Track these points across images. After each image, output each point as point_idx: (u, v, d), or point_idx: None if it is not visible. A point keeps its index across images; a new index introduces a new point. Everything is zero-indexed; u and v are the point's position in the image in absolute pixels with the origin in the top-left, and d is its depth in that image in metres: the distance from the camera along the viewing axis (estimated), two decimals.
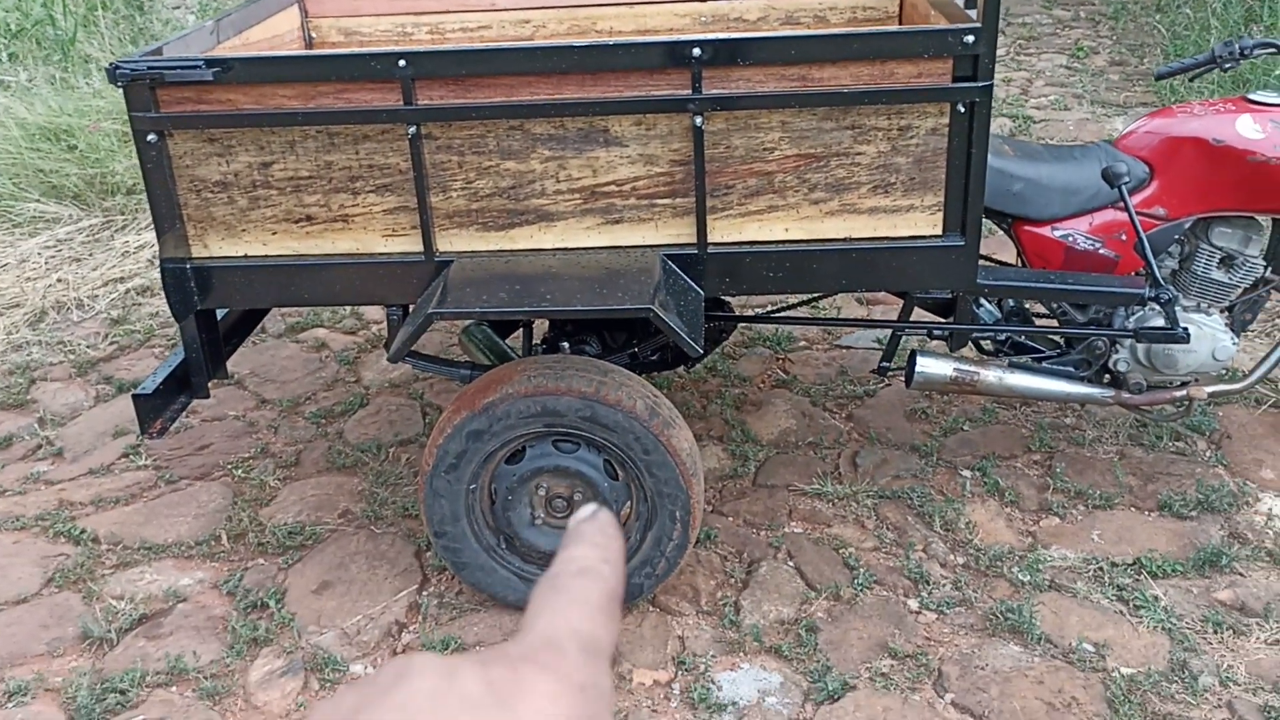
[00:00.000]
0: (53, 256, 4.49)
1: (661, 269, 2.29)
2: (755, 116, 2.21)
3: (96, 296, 4.21)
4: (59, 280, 4.31)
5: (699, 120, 2.19)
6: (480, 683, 0.33)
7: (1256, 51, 2.66)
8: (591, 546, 0.40)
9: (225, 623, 2.59)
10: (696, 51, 2.15)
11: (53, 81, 5.68)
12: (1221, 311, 2.79)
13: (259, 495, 3.05)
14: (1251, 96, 2.67)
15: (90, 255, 4.50)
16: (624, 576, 0.41)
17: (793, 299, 3.66)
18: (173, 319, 2.55)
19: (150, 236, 4.56)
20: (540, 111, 2.20)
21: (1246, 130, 2.58)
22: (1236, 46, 2.65)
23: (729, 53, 2.15)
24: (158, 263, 4.21)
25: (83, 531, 2.91)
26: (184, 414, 3.21)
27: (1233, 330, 2.79)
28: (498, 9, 3.16)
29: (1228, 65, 2.66)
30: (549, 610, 0.37)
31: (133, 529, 2.93)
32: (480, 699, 0.32)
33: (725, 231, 2.32)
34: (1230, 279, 2.73)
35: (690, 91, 2.19)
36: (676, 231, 2.32)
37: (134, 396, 2.44)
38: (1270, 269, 2.77)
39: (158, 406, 2.48)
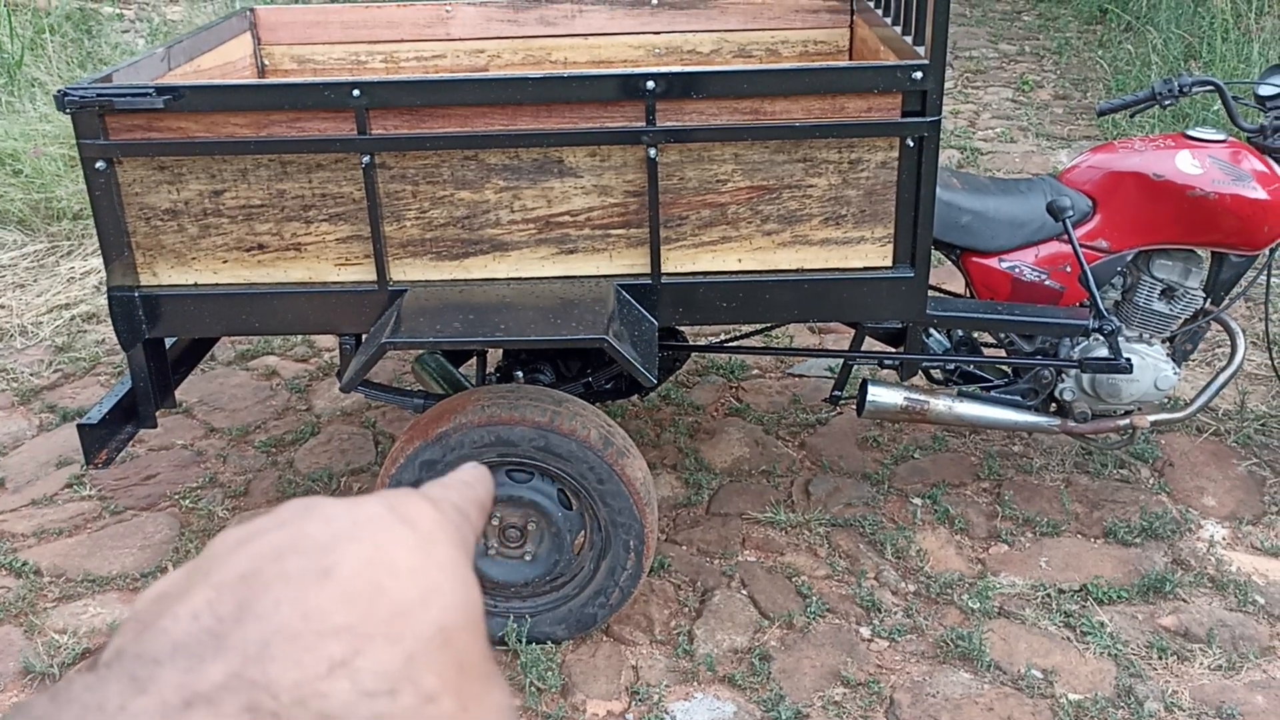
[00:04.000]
0: None
1: (615, 299, 2.30)
2: (708, 149, 2.24)
3: (41, 323, 4.14)
4: (2, 306, 4.24)
5: (653, 152, 2.21)
6: (381, 505, 0.39)
7: (1195, 89, 2.73)
8: (468, 473, 0.48)
9: None
10: (650, 84, 2.17)
11: None
12: (1163, 342, 2.85)
13: (207, 526, 3.00)
14: (1190, 133, 2.75)
15: (35, 281, 4.43)
16: (490, 505, 0.48)
17: (746, 328, 3.69)
18: (119, 346, 2.52)
19: (96, 262, 4.50)
20: (495, 142, 2.21)
21: (1185, 166, 2.65)
22: (1176, 84, 2.72)
23: (683, 86, 2.18)
24: (104, 290, 4.15)
25: (24, 564, 2.85)
26: (130, 443, 3.16)
27: (1174, 360, 2.85)
28: (453, 39, 3.17)
29: (1167, 102, 2.74)
30: (432, 487, 0.45)
31: (76, 561, 2.87)
32: (384, 515, 0.38)
33: (679, 262, 2.34)
34: (1171, 310, 2.79)
35: (644, 124, 2.21)
36: (630, 262, 2.34)
37: (79, 426, 2.40)
38: (1209, 300, 2.84)
39: (103, 436, 2.44)
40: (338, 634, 0.34)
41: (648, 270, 2.34)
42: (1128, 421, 2.81)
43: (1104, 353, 2.74)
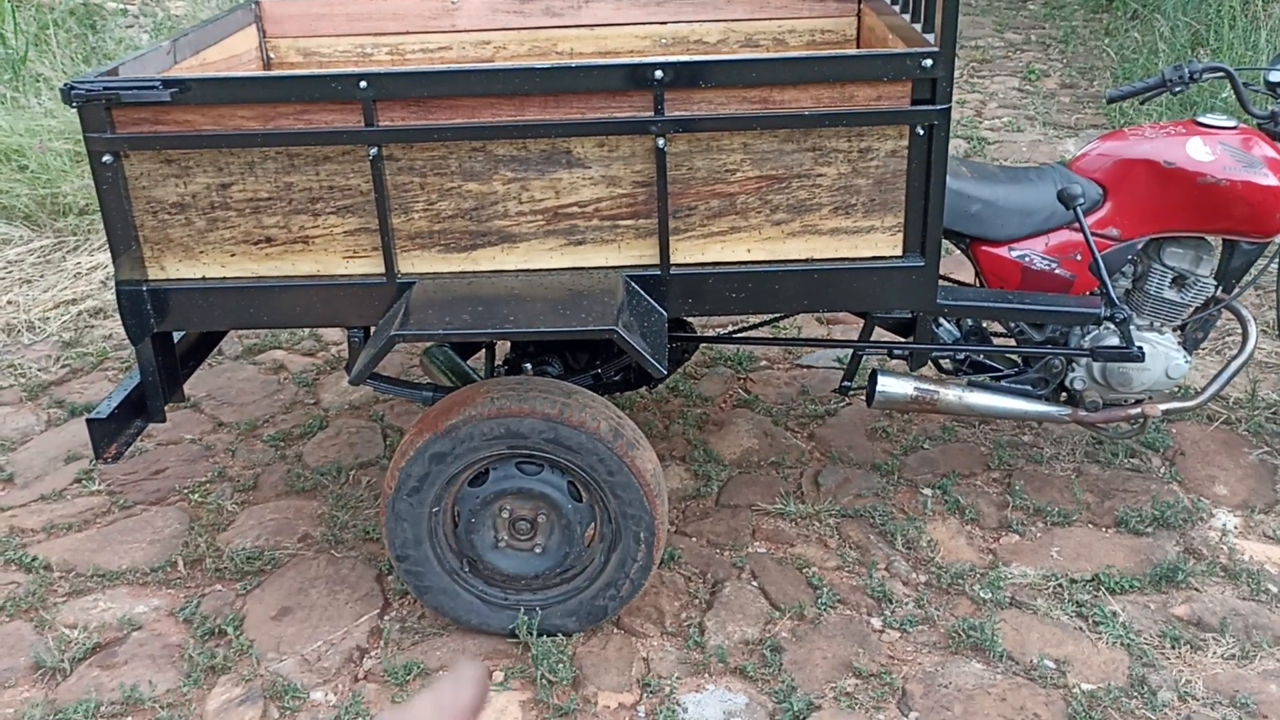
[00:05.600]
0: (2, 278, 4.42)
1: (624, 290, 2.29)
2: (717, 138, 2.22)
3: (48, 319, 4.14)
4: (9, 302, 4.24)
5: (661, 142, 2.20)
6: None
7: (1204, 75, 2.72)
8: None
9: (181, 651, 2.54)
10: (658, 74, 2.16)
11: (3, 101, 5.59)
12: (1174, 330, 2.84)
13: (216, 520, 3.00)
14: (1201, 119, 2.73)
15: (42, 277, 4.43)
16: None
17: (754, 319, 3.68)
18: (127, 341, 2.51)
19: (103, 257, 4.50)
20: (502, 133, 2.20)
21: (1196, 153, 2.64)
22: (1185, 70, 2.71)
23: (690, 75, 2.17)
24: (111, 284, 4.15)
25: (34, 559, 2.85)
26: (139, 438, 3.15)
27: (1185, 348, 2.84)
28: (459, 30, 3.16)
29: (1177, 89, 2.72)
30: None
31: (86, 556, 2.87)
32: None
33: (688, 252, 2.33)
34: (1182, 298, 2.77)
35: (652, 113, 2.20)
36: (639, 252, 2.33)
37: (88, 421, 2.40)
38: (1220, 288, 2.83)
39: (112, 431, 2.44)
40: None
41: (656, 261, 2.33)
42: (1139, 410, 2.80)
43: (1115, 341, 2.72)
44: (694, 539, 2.87)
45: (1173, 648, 2.48)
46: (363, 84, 2.16)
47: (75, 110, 2.20)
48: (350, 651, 2.53)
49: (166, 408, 2.55)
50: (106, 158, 2.22)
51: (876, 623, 2.58)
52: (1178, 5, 6.89)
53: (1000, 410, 2.81)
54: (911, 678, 2.42)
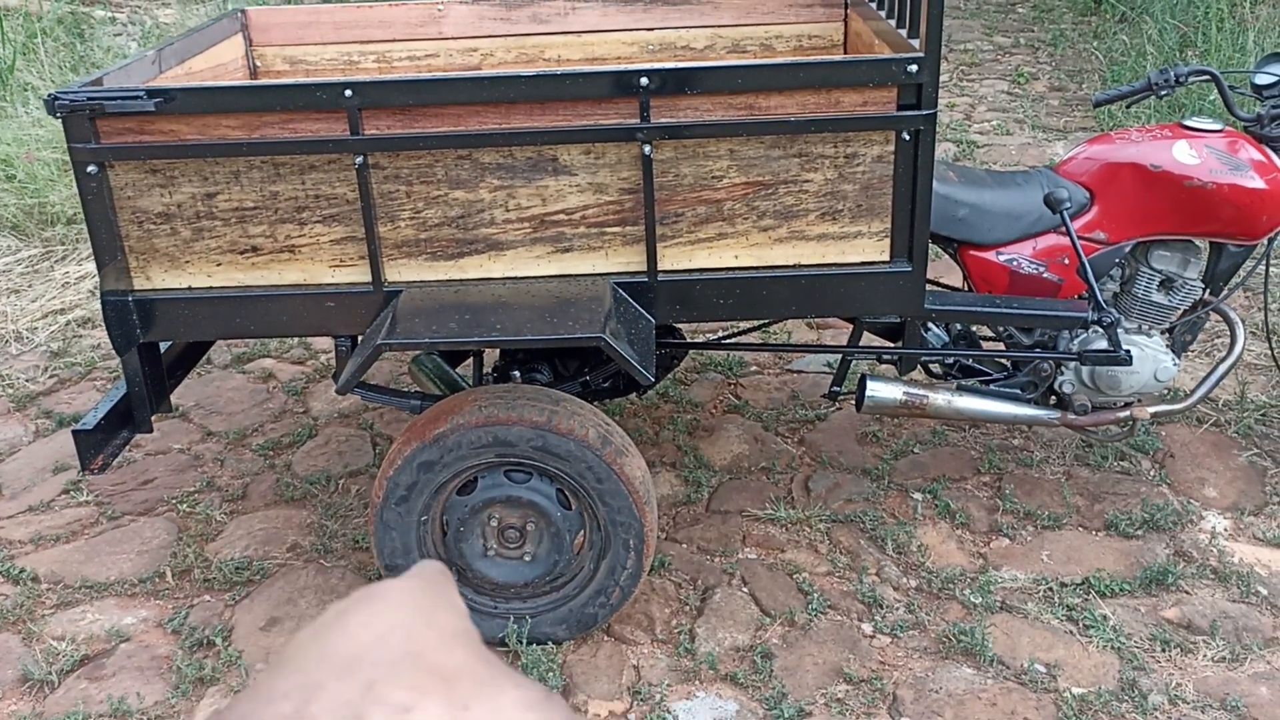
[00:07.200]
0: None
1: (612, 297, 2.29)
2: (703, 145, 2.22)
3: (36, 329, 4.13)
4: None
5: (647, 149, 2.20)
6: (341, 602, 0.44)
7: (1191, 79, 2.72)
8: None
9: (170, 662, 2.53)
10: (644, 80, 2.16)
11: None
12: (1162, 333, 2.84)
13: (205, 530, 2.99)
14: (1187, 123, 2.74)
15: (29, 286, 4.41)
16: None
17: (744, 324, 3.68)
18: (114, 352, 2.51)
19: (91, 267, 4.48)
20: (489, 141, 2.20)
21: (1183, 156, 2.64)
22: (1172, 74, 2.71)
23: (677, 81, 2.17)
24: (99, 294, 4.14)
25: (22, 570, 2.84)
26: (126, 448, 3.14)
27: (1174, 351, 2.84)
28: (445, 37, 3.15)
29: (1163, 92, 2.72)
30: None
31: (74, 567, 2.86)
32: (337, 605, 0.43)
33: (675, 259, 2.33)
34: (1170, 301, 2.78)
35: (638, 120, 2.19)
36: (627, 259, 2.33)
37: (74, 432, 2.39)
38: (1208, 291, 2.83)
39: (99, 442, 2.43)
40: (285, 696, 0.37)
41: (644, 268, 2.33)
42: (1128, 413, 2.80)
43: (1103, 345, 2.73)
44: (684, 545, 2.87)
45: (1163, 651, 2.48)
46: (348, 92, 2.16)
47: (60, 120, 2.19)
48: None
49: (154, 418, 2.54)
50: (91, 168, 2.22)
51: (867, 628, 2.58)
52: (1166, 8, 6.92)
53: (989, 414, 2.81)
54: (902, 683, 2.41)
